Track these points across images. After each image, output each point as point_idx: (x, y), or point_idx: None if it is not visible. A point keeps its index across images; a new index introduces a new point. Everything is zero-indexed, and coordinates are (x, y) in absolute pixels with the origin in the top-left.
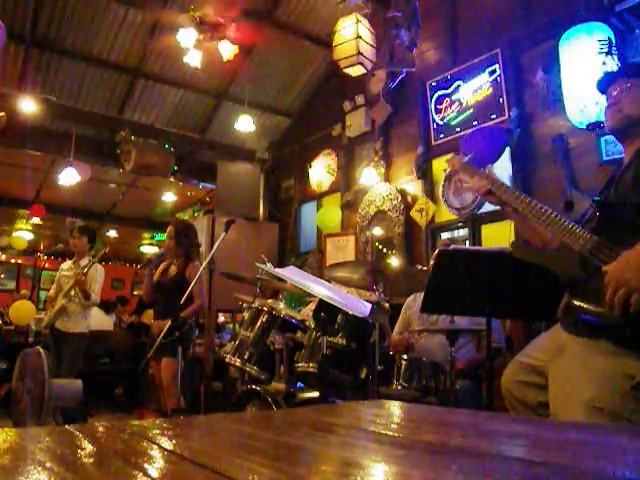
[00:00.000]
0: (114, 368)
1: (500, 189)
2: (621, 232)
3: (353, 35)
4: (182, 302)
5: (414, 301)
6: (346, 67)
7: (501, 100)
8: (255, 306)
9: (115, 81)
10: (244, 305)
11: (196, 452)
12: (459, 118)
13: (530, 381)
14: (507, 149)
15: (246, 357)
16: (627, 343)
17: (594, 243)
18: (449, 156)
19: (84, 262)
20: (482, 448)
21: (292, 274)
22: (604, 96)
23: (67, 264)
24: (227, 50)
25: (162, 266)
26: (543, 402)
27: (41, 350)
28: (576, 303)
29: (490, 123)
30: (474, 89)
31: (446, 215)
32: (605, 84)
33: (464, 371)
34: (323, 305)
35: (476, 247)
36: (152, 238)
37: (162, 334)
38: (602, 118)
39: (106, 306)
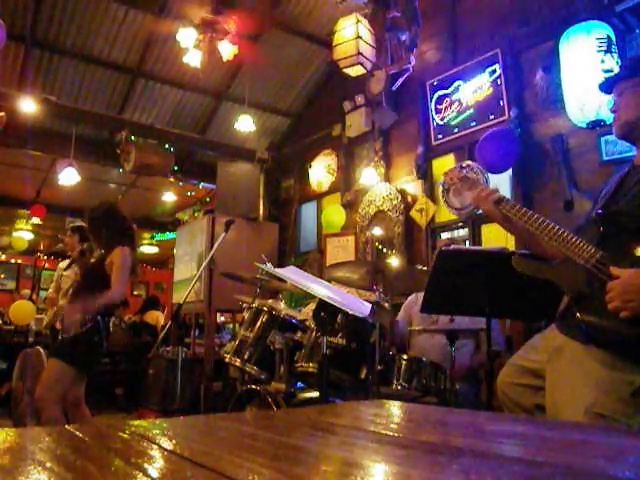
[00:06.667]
0: (114, 368)
1: (507, 202)
2: (630, 244)
3: (353, 35)
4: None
5: (415, 300)
6: (346, 67)
7: (501, 100)
8: (255, 306)
9: (115, 81)
10: (244, 305)
11: (196, 452)
12: (459, 118)
13: (526, 383)
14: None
15: (246, 357)
16: (629, 355)
17: (599, 257)
18: (449, 156)
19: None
20: (482, 448)
21: (292, 274)
22: (610, 96)
23: (64, 263)
24: (227, 50)
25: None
26: (539, 404)
27: (41, 350)
28: (580, 317)
29: (491, 123)
30: (474, 89)
31: (446, 215)
32: (607, 87)
33: (461, 376)
34: (323, 305)
35: (476, 247)
36: (152, 238)
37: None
38: (602, 116)
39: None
